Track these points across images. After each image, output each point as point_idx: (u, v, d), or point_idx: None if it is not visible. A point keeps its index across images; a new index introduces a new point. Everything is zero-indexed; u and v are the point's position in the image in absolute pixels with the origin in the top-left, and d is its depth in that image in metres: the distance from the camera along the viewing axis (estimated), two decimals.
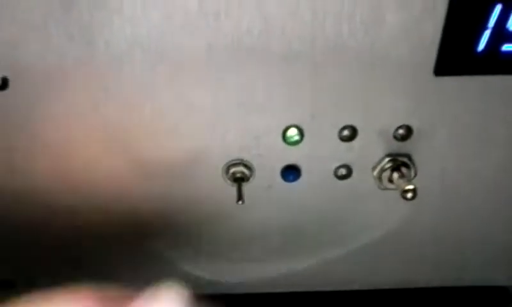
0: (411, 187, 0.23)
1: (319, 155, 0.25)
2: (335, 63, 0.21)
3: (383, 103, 0.23)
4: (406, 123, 0.24)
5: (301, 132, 0.24)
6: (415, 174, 0.25)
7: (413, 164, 0.25)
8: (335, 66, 0.22)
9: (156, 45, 0.21)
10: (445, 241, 0.30)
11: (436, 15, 0.20)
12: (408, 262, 0.31)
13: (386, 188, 0.25)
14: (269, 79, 0.22)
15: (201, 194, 0.26)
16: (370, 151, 0.25)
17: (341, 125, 0.24)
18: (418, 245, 0.30)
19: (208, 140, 0.24)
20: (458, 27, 0.20)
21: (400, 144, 0.24)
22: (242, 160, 0.25)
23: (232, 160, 0.25)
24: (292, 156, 0.25)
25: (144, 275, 0.22)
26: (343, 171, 0.25)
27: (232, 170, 0.25)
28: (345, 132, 0.24)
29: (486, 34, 0.20)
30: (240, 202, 0.24)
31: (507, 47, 0.21)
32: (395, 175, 0.25)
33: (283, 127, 0.23)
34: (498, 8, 0.20)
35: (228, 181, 0.25)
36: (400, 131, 0.24)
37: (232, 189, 0.25)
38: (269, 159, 0.25)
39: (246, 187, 0.25)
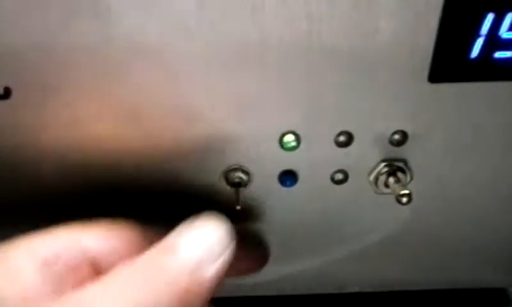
0: (406, 191, 0.24)
1: (316, 160, 0.25)
2: (331, 70, 0.22)
3: (379, 109, 0.23)
4: (402, 128, 0.24)
5: (297, 138, 0.24)
6: (411, 179, 0.26)
7: (409, 169, 0.25)
8: (331, 72, 0.22)
9: (154, 49, 0.21)
10: (442, 244, 0.30)
11: (430, 23, 0.20)
12: (405, 265, 0.31)
13: (382, 193, 0.26)
14: (265, 86, 0.22)
15: (200, 198, 0.26)
16: (366, 156, 0.25)
17: (337, 131, 0.24)
18: (414, 248, 0.30)
19: (207, 145, 0.24)
20: (451, 35, 0.20)
21: (396, 149, 0.25)
22: (240, 165, 0.25)
23: (230, 166, 0.25)
24: (289, 161, 0.25)
25: None
26: (340, 176, 0.26)
27: (230, 175, 0.25)
28: (342, 138, 0.24)
29: (479, 42, 0.21)
30: (238, 207, 0.25)
31: (499, 54, 0.21)
32: (391, 180, 0.25)
33: (280, 133, 0.24)
34: (490, 17, 0.20)
35: (227, 187, 0.25)
36: (396, 136, 0.24)
37: (231, 194, 0.25)
38: (266, 165, 0.25)
39: (243, 192, 0.25)
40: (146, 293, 0.18)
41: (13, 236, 0.20)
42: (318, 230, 0.28)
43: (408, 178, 0.25)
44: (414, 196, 0.24)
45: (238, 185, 0.25)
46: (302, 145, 0.24)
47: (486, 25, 0.20)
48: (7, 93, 0.22)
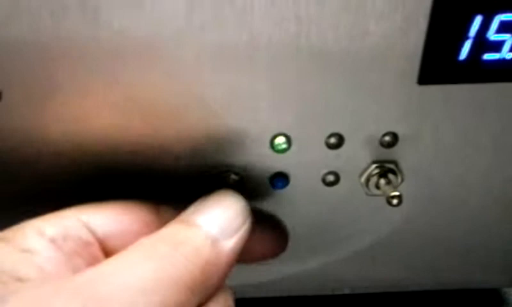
0: (396, 193, 0.24)
1: (307, 162, 0.25)
2: (321, 72, 0.22)
3: (369, 111, 0.23)
4: (392, 130, 0.24)
5: (288, 140, 0.24)
6: (402, 180, 0.26)
7: (400, 170, 0.25)
8: (320, 74, 0.22)
9: (144, 49, 0.21)
10: (434, 245, 0.30)
11: (419, 25, 0.20)
12: (397, 266, 0.31)
13: (373, 195, 0.26)
14: (256, 88, 0.22)
15: (191, 200, 0.26)
16: (357, 158, 0.25)
17: (328, 133, 0.24)
18: (407, 249, 0.30)
19: (197, 148, 0.24)
20: (440, 38, 0.21)
21: (386, 151, 0.25)
22: (231, 167, 0.25)
23: (221, 168, 0.25)
24: (280, 164, 0.25)
25: None
26: (331, 178, 0.26)
27: (221, 177, 0.25)
28: (333, 140, 0.24)
29: (468, 44, 0.21)
30: None
31: (488, 56, 0.21)
32: (382, 181, 0.25)
33: (271, 135, 0.24)
34: (478, 19, 0.20)
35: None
36: (387, 138, 0.24)
37: None
38: (257, 167, 0.25)
39: None
40: (168, 265, 0.18)
41: None
42: (309, 232, 0.28)
43: (399, 180, 0.25)
44: (405, 198, 0.24)
45: (229, 187, 0.25)
46: (293, 147, 0.24)
47: (475, 28, 0.20)
48: None
